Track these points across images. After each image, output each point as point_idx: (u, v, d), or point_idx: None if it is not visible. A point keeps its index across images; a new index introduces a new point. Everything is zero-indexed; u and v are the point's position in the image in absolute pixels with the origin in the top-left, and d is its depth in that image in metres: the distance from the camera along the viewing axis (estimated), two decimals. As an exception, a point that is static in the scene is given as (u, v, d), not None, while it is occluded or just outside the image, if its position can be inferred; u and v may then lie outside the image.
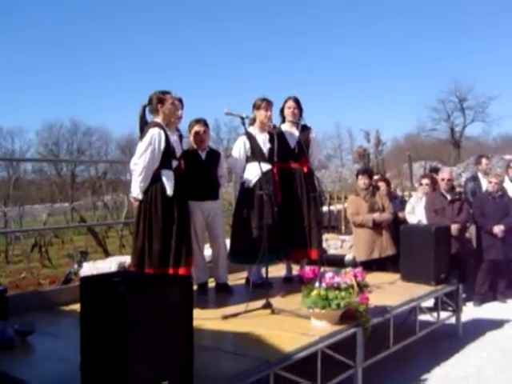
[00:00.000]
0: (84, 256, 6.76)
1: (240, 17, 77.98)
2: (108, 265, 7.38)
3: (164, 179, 5.41)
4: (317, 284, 4.78)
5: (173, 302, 3.26)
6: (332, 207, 13.77)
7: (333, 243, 11.74)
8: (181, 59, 78.57)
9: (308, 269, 5.04)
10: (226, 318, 5.07)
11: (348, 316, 4.80)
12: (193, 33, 78.68)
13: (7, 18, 71.23)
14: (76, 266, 6.52)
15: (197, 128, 6.13)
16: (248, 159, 6.35)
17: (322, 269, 5.29)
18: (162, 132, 5.41)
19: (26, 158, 60.91)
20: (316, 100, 73.86)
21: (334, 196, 14.58)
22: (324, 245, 11.51)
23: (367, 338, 4.86)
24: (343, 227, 12.57)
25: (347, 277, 4.97)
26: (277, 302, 5.48)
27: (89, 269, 7.26)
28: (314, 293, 4.70)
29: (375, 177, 9.43)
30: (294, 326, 4.75)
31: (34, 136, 62.72)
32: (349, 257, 9.20)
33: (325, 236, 11.91)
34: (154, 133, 5.37)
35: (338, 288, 4.76)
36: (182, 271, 5.43)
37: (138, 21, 77.07)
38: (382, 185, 8.79)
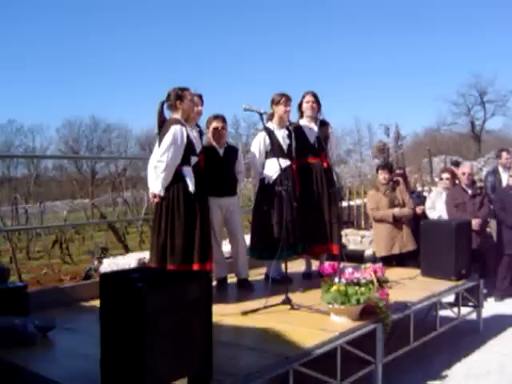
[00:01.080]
0: (104, 252, 6.78)
1: (259, 10, 77.80)
2: (128, 261, 7.40)
3: (186, 176, 5.42)
4: (336, 279, 4.77)
5: (192, 298, 3.26)
6: (351, 202, 13.68)
7: (352, 238, 11.67)
8: (200, 55, 78.76)
9: (327, 264, 5.04)
10: (245, 313, 5.07)
11: (368, 312, 4.77)
12: (212, 27, 78.69)
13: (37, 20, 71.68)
14: (96, 262, 6.55)
15: (215, 124, 6.13)
16: (267, 155, 6.34)
17: (342, 264, 5.27)
18: (184, 128, 5.41)
19: (46, 155, 61.45)
20: (335, 95, 73.71)
21: (354, 191, 14.49)
22: (343, 240, 11.47)
23: (387, 334, 4.83)
24: (363, 222, 12.50)
25: (367, 272, 4.96)
26: (296, 297, 5.46)
27: (109, 265, 7.28)
28: (334, 288, 4.68)
29: (397, 171, 9.40)
30: (313, 322, 4.74)
31: (54, 133, 63.21)
32: (368, 252, 9.17)
33: (344, 231, 11.86)
34: (176, 129, 5.36)
35: (358, 283, 4.74)
36: (207, 265, 5.48)
37: (155, 16, 77.31)
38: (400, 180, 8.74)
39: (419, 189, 13.38)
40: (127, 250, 14.77)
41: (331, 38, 79.19)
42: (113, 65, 77.72)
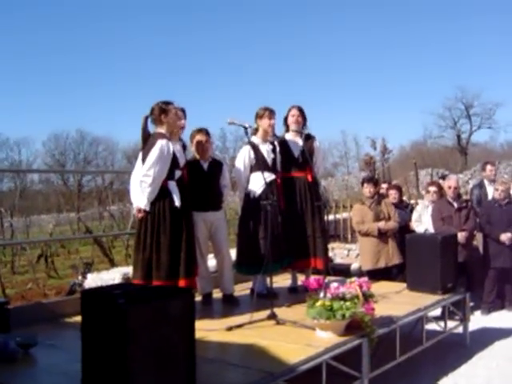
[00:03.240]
0: (88, 267, 6.72)
1: (243, 24, 78.00)
2: (112, 276, 7.35)
3: (171, 190, 5.39)
4: (321, 294, 4.74)
5: (174, 315, 3.23)
6: (338, 216, 13.70)
7: (339, 252, 11.67)
8: (187, 69, 78.71)
9: (313, 279, 5.00)
10: (230, 329, 5.03)
11: (353, 327, 4.75)
12: (198, 41, 78.79)
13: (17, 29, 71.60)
14: (80, 278, 6.48)
15: (198, 137, 6.10)
16: (252, 169, 6.31)
17: (328, 279, 5.24)
18: (169, 143, 5.38)
19: (32, 169, 61.03)
20: (321, 108, 73.87)
21: (340, 204, 14.51)
22: (330, 254, 11.44)
23: (373, 349, 4.80)
24: (349, 236, 12.51)
25: (352, 287, 4.92)
26: (282, 312, 5.44)
27: (93, 280, 7.23)
28: (319, 303, 4.65)
29: (384, 185, 9.40)
30: (298, 337, 4.71)
31: (40, 146, 62.96)
32: (355, 266, 9.14)
33: (331, 245, 11.84)
34: (162, 144, 5.33)
35: (343, 298, 4.71)
36: (193, 281, 5.47)
37: (142, 30, 77.35)
38: (393, 193, 8.76)
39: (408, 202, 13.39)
40: (113, 264, 14.68)
41: (318, 52, 79.51)
42: (100, 78, 77.55)
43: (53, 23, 73.23)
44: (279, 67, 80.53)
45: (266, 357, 4.28)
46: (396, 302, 6.09)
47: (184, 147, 5.95)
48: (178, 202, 5.36)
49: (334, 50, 77.69)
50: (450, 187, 8.24)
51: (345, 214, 13.47)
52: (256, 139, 6.39)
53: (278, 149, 6.47)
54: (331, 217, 13.69)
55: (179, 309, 3.26)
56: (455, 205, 8.11)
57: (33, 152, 65.62)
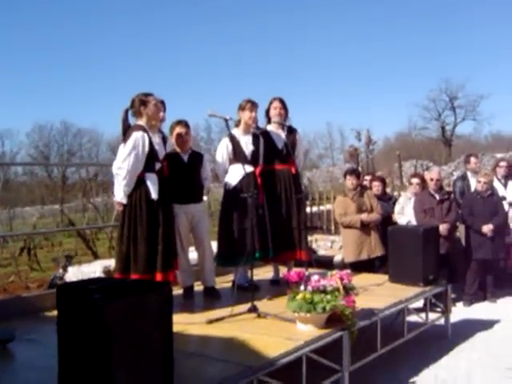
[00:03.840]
0: (69, 260, 6.66)
1: (226, 16, 77.83)
2: (93, 268, 7.29)
3: (148, 183, 5.34)
4: (302, 287, 4.72)
5: (152, 309, 3.18)
6: (322, 207, 13.69)
7: (322, 244, 11.68)
8: (171, 59, 78.38)
9: (293, 272, 4.97)
10: (210, 322, 5.00)
11: (334, 319, 4.74)
12: (182, 34, 78.35)
13: (-4, 20, 70.92)
14: (61, 271, 6.43)
15: (178, 129, 6.06)
16: (230, 161, 6.29)
17: (309, 271, 5.22)
18: (146, 135, 5.33)
19: (15, 163, 60.47)
20: (307, 99, 74.00)
21: (324, 196, 14.48)
22: (314, 245, 11.48)
23: (354, 342, 4.79)
24: (333, 227, 12.51)
25: (333, 279, 4.90)
26: (263, 305, 5.43)
27: (74, 273, 7.17)
28: (299, 296, 4.63)
29: (367, 177, 9.39)
30: (279, 330, 4.69)
31: (24, 138, 62.55)
32: (338, 258, 9.15)
33: (314, 237, 11.87)
34: (137, 136, 5.29)
35: (324, 291, 4.69)
36: (171, 274, 5.40)
37: (127, 21, 76.87)
38: (376, 184, 8.76)
39: (391, 193, 13.41)
40: (96, 256, 14.62)
41: (302, 43, 79.48)
42: (84, 69, 77.14)
43: (38, 16, 72.64)
44: (265, 60, 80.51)
45: (245, 350, 4.26)
46: (377, 294, 6.09)
47: (164, 139, 5.89)
48: (154, 195, 5.32)
49: (320, 42, 78.01)
50: (431, 179, 8.26)
51: (328, 206, 13.45)
52: (237, 131, 6.36)
53: (262, 141, 6.43)
54: (315, 208, 13.68)
55: (156, 303, 3.22)
56: (437, 197, 8.13)
57: (16, 143, 65.34)
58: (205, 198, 6.51)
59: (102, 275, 6.81)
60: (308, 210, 12.27)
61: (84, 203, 26.28)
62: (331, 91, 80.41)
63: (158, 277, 5.27)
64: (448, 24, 73.37)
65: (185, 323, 4.87)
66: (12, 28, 72.29)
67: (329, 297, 4.64)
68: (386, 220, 8.23)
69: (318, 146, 58.12)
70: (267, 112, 6.66)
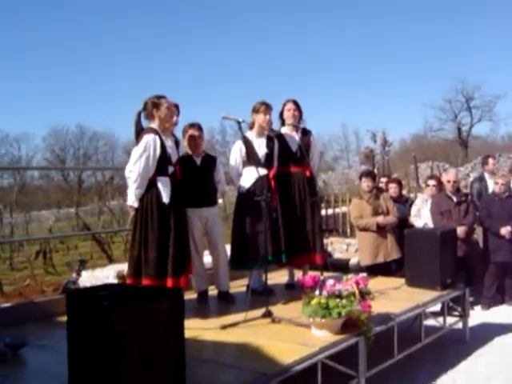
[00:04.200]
0: (83, 264, 6.63)
1: (242, 19, 77.92)
2: (107, 273, 7.25)
3: (160, 186, 5.28)
4: (317, 292, 4.64)
5: (163, 317, 3.12)
6: (337, 210, 13.60)
7: (338, 247, 11.59)
8: (186, 62, 78.56)
9: (308, 276, 4.88)
10: (224, 327, 4.92)
11: (350, 324, 4.65)
12: (197, 36, 78.57)
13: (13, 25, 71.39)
14: (75, 275, 6.39)
15: (191, 132, 6.00)
16: (244, 164, 6.22)
17: (325, 275, 5.15)
18: (158, 138, 5.27)
19: (31, 167, 60.93)
20: (322, 101, 73.89)
21: (339, 199, 14.38)
22: (329, 248, 11.39)
23: (370, 347, 4.71)
24: (348, 230, 12.41)
25: (349, 284, 4.82)
26: (278, 309, 5.36)
27: (87, 278, 7.14)
28: (314, 301, 4.55)
29: (383, 179, 9.30)
30: (293, 336, 4.60)
31: (40, 142, 63.01)
32: (354, 261, 9.05)
33: (330, 239, 11.78)
34: (148, 139, 5.23)
35: (340, 296, 4.61)
36: (182, 280, 5.31)
37: (142, 24, 77.15)
38: (393, 186, 8.68)
39: (407, 195, 13.30)
40: (111, 260, 14.61)
41: (316, 46, 79.36)
42: (100, 72, 77.44)
43: (53, 21, 73.05)
44: (280, 62, 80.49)
45: (259, 357, 4.18)
46: (394, 298, 6.00)
47: (177, 143, 5.84)
48: (165, 198, 5.25)
49: (335, 44, 77.81)
50: (448, 181, 8.15)
51: (344, 208, 13.37)
52: (250, 134, 6.30)
53: (276, 143, 6.37)
54: (330, 211, 13.60)
55: (168, 310, 3.16)
56: (454, 199, 8.02)
57: (32, 147, 65.72)
58: (220, 200, 6.44)
59: (116, 280, 6.80)
60: (323, 212, 12.20)
61: (100, 206, 26.35)
62: (346, 93, 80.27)
63: (169, 282, 5.20)
64: (463, 25, 73.12)
65: (198, 328, 4.81)
66: (29, 31, 72.78)
67: (344, 302, 4.55)
68: (403, 222, 8.14)
69: (333, 148, 57.98)
70: (281, 114, 6.58)
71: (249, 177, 6.13)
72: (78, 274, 6.61)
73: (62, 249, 20.32)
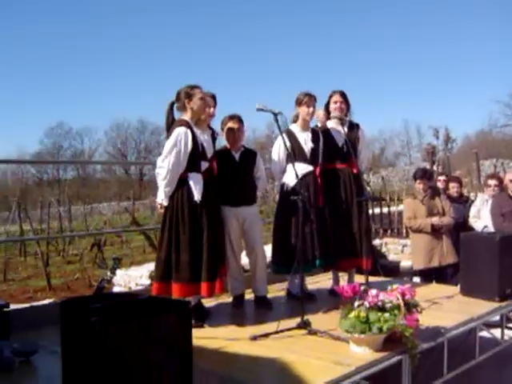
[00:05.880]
0: (117, 263, 6.34)
1: (292, 12, 77.54)
2: (140, 272, 6.94)
3: (191, 183, 4.88)
4: (356, 304, 4.17)
5: (166, 334, 2.71)
6: (393, 208, 13.02)
7: (393, 248, 11.04)
8: (228, 55, 78.69)
9: (347, 285, 4.41)
10: (254, 339, 4.50)
11: (393, 340, 4.16)
12: (238, 29, 78.58)
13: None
14: (109, 273, 6.12)
15: (230, 125, 5.57)
16: (288, 160, 5.75)
17: (372, 279, 4.68)
18: (189, 131, 4.87)
19: (93, 161, 61.93)
20: (384, 96, 72.75)
21: (395, 197, 13.79)
22: (383, 249, 10.88)
23: (415, 366, 4.21)
24: (404, 231, 11.82)
25: (393, 295, 4.33)
26: (316, 318, 4.91)
27: (121, 276, 6.85)
28: (353, 314, 4.08)
29: (441, 177, 8.76)
30: (329, 352, 4.13)
31: (102, 136, 64.14)
32: (405, 264, 8.53)
33: (384, 240, 11.26)
34: (179, 132, 4.84)
35: (383, 308, 4.13)
36: (217, 285, 4.91)
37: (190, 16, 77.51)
38: (455, 186, 8.22)
39: (468, 195, 12.64)
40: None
41: (382, 43, 78.34)
42: (162, 67, 78.16)
43: (118, 10, 73.99)
44: (342, 57, 79.71)
45: (288, 376, 3.74)
46: (446, 309, 5.46)
47: (214, 136, 5.44)
48: (197, 196, 4.85)
49: (399, 40, 76.58)
50: (511, 180, 7.54)
51: (401, 207, 12.80)
52: (295, 127, 5.87)
53: (321, 138, 5.91)
54: (385, 209, 13.03)
55: (173, 327, 2.75)
56: (517, 200, 7.40)
57: (95, 141, 66.83)
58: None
59: (148, 280, 6.50)
60: (377, 211, 11.69)
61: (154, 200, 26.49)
62: (409, 88, 78.89)
63: (204, 287, 4.82)
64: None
65: (228, 338, 4.46)
66: (94, 23, 73.93)
67: (387, 315, 4.07)
68: (462, 224, 7.60)
69: (394, 143, 56.87)
70: (327, 106, 6.11)
71: (292, 174, 5.66)
72: (113, 273, 6.32)
73: (116, 242, 20.40)
